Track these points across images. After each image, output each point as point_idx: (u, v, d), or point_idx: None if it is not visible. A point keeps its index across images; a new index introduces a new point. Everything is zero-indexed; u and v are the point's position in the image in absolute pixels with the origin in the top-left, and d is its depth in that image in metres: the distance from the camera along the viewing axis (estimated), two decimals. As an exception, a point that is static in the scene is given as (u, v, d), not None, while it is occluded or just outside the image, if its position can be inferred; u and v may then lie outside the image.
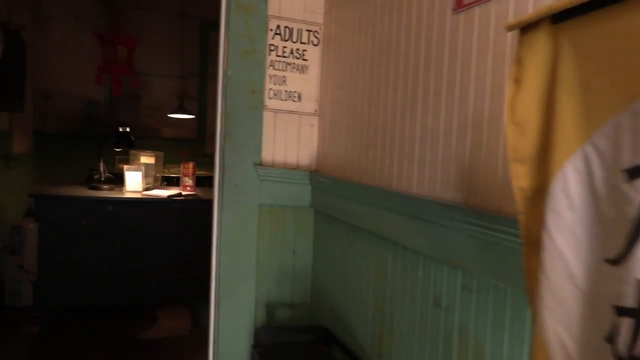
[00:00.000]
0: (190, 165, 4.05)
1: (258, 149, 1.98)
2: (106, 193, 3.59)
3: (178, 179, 5.01)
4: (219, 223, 2.02)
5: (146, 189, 3.79)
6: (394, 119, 1.54)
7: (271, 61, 2.03)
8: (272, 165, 2.03)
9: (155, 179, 3.98)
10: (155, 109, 6.25)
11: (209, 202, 3.88)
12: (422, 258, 1.38)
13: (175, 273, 3.60)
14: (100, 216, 3.40)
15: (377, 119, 1.64)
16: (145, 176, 3.80)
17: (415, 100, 1.43)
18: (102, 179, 3.75)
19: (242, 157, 1.95)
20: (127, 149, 3.80)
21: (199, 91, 6.43)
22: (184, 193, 3.74)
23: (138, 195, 3.60)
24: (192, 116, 5.62)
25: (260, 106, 1.99)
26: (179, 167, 5.73)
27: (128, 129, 3.75)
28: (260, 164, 2.03)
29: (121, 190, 3.74)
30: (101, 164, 3.75)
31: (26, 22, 4.71)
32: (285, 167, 2.04)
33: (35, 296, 3.58)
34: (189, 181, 4.01)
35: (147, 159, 3.91)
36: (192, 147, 6.47)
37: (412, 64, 1.45)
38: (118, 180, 4.50)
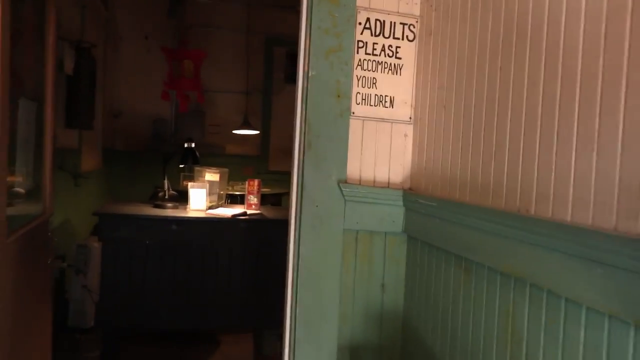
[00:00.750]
0: (256, 182, 3.79)
1: (343, 163, 1.64)
2: (170, 211, 3.39)
3: (242, 196, 4.79)
4: (296, 252, 1.69)
5: (210, 207, 3.56)
6: (532, 122, 1.17)
7: (359, 60, 1.70)
8: (359, 183, 1.68)
9: (220, 196, 3.75)
10: (219, 126, 6.12)
11: (275, 222, 3.62)
12: (588, 313, 0.98)
13: (240, 296, 3.32)
14: (163, 236, 3.19)
15: (502, 125, 1.27)
16: (209, 194, 3.58)
17: (572, 95, 1.05)
18: (166, 196, 3.56)
19: (325, 173, 1.62)
20: (192, 165, 3.59)
21: (263, 107, 6.25)
22: (249, 212, 3.48)
23: (202, 214, 3.37)
24: (257, 132, 5.41)
25: (346, 113, 1.66)
26: (243, 184, 5.53)
27: (193, 145, 3.55)
28: (346, 181, 1.70)
29: (185, 208, 3.53)
30: (165, 182, 3.56)
31: (98, 41, 4.69)
32: (374, 185, 1.69)
33: (96, 317, 3.40)
34: (254, 199, 3.75)
35: (211, 176, 3.68)
36: (255, 163, 6.28)
37: (566, 48, 1.07)
38: (182, 197, 4.32)
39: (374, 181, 1.70)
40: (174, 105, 5.78)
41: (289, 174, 6.17)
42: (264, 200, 4.15)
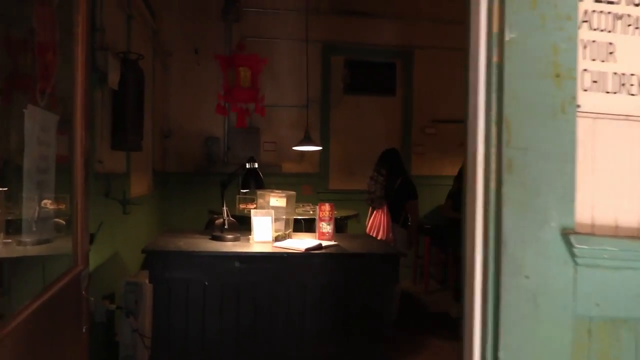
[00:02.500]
0: (327, 207, 3.16)
1: (569, 197, 0.98)
2: (230, 246, 2.80)
3: (306, 221, 4.17)
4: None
5: (277, 239, 2.96)
6: None
7: (585, 12, 1.02)
8: (592, 231, 1.00)
9: (287, 224, 3.15)
10: (275, 142, 5.57)
11: (356, 257, 2.81)
12: None
13: (315, 347, 2.68)
14: (224, 275, 2.61)
15: None
16: (274, 221, 2.99)
17: None
18: (226, 226, 2.98)
19: (539, 217, 0.92)
20: (256, 189, 3.01)
21: (322, 120, 5.66)
22: (324, 244, 2.85)
23: (268, 248, 2.77)
24: (319, 148, 4.82)
25: (570, 106, 0.99)
26: (304, 206, 4.93)
27: (256, 165, 2.96)
28: (574, 230, 1.00)
29: (247, 239, 2.95)
30: (224, 209, 2.99)
31: (146, 55, 4.25)
32: (617, 235, 1.02)
33: (149, 369, 2.85)
34: (327, 227, 3.12)
35: (277, 200, 3.09)
36: (314, 182, 5.68)
37: None
38: (241, 223, 3.76)
39: (617, 227, 0.99)
40: (227, 121, 5.28)
41: (352, 193, 5.40)
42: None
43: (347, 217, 4.51)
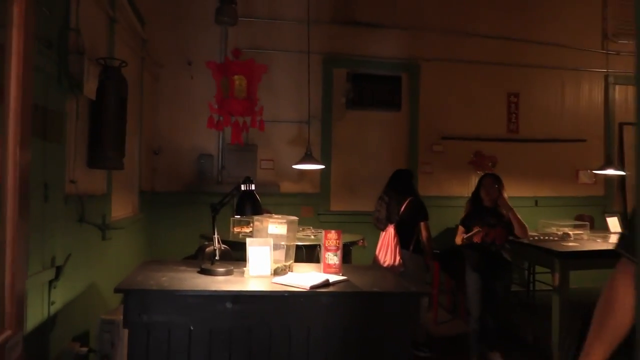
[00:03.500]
0: (334, 235, 2.73)
1: None
2: (222, 282, 2.36)
3: (307, 248, 3.74)
4: None
5: (276, 273, 2.53)
6: None
7: None
8: None
9: (288, 253, 2.71)
10: (272, 160, 5.16)
11: (371, 296, 2.27)
12: None
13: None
14: (213, 318, 2.17)
15: None
16: (273, 250, 2.56)
17: None
18: (217, 257, 2.55)
19: None
20: (252, 214, 2.58)
21: (323, 137, 5.26)
22: (331, 279, 2.42)
23: (266, 285, 2.33)
24: (321, 166, 4.41)
25: None
26: (304, 229, 4.49)
27: (253, 187, 2.54)
28: None
29: (242, 273, 2.51)
30: (215, 238, 2.55)
31: (133, 65, 3.85)
32: None
33: None
34: (333, 259, 2.68)
35: (276, 227, 2.67)
36: (315, 203, 5.26)
37: None
38: (236, 249, 3.32)
39: None
40: (222, 137, 4.86)
41: (355, 215, 4.89)
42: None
43: (352, 243, 4.07)
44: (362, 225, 5.19)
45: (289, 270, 2.66)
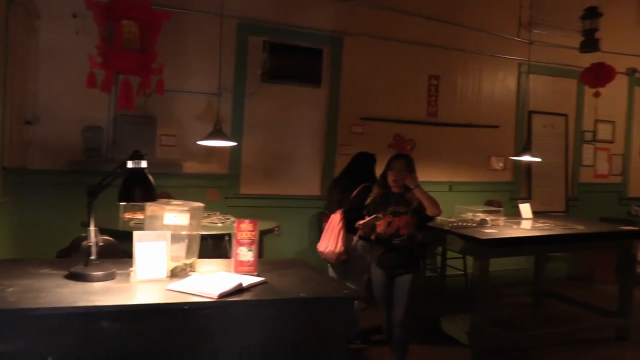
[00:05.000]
0: (249, 225, 2.20)
1: None
2: (98, 290, 1.74)
3: (215, 238, 3.17)
4: None
5: (173, 273, 1.96)
6: None
7: None
8: None
9: (190, 248, 2.14)
10: (175, 136, 4.46)
11: (296, 304, 1.66)
12: None
13: None
14: (84, 345, 1.57)
15: None
16: (171, 244, 1.99)
17: None
18: (92, 256, 1.91)
19: None
20: (143, 200, 1.96)
21: (234, 112, 4.65)
22: (245, 281, 1.90)
23: (159, 295, 1.75)
24: (233, 143, 3.82)
25: None
26: (210, 216, 3.90)
27: (144, 164, 1.92)
28: None
29: (128, 276, 1.90)
30: (91, 230, 1.92)
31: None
32: None
33: None
34: (247, 255, 2.16)
35: (176, 216, 2.08)
36: (222, 185, 4.66)
37: None
38: (126, 240, 2.67)
39: None
40: (113, 104, 4.06)
41: (269, 198, 4.27)
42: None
43: (265, 232, 3.57)
44: (276, 211, 4.70)
45: (190, 271, 2.10)
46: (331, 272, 3.80)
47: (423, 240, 3.21)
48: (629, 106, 6.52)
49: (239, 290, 1.82)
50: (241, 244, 2.18)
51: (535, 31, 5.74)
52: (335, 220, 3.66)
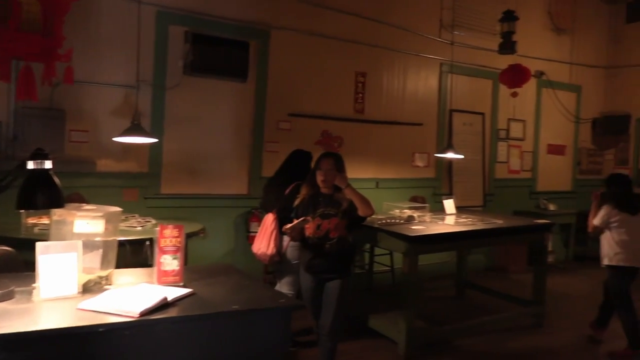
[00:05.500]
0: (173, 231, 2.00)
1: None
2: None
3: (134, 244, 2.89)
4: None
5: (86, 289, 1.71)
6: None
7: None
8: None
9: (105, 258, 1.90)
10: (88, 132, 4.06)
11: (230, 318, 1.48)
12: None
13: None
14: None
15: None
16: (83, 256, 1.74)
17: None
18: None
19: None
20: (48, 206, 1.69)
21: (154, 106, 4.32)
22: (170, 295, 1.70)
23: (69, 316, 1.51)
24: (153, 140, 3.53)
25: None
26: (128, 218, 3.58)
27: (49, 164, 1.65)
28: None
29: (28, 297, 1.64)
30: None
31: None
32: None
33: None
34: (172, 263, 1.96)
35: (88, 223, 1.83)
36: (141, 184, 4.32)
37: None
38: (28, 250, 2.35)
39: None
40: (13, 95, 3.59)
41: (192, 198, 4.01)
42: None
43: (189, 235, 3.34)
44: (201, 211, 4.46)
45: (107, 284, 1.86)
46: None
47: (353, 242, 3.07)
48: (537, 106, 6.95)
49: (164, 305, 1.63)
50: (165, 252, 1.97)
51: (455, 32, 5.92)
52: (269, 220, 3.52)
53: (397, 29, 5.55)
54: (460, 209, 5.14)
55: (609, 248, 3.80)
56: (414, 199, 5.50)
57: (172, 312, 1.59)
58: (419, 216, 4.38)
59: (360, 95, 5.41)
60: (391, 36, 5.52)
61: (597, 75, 7.57)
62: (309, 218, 2.86)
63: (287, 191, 3.41)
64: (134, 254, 2.81)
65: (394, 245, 3.82)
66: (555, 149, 7.23)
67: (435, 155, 5.72)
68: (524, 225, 4.46)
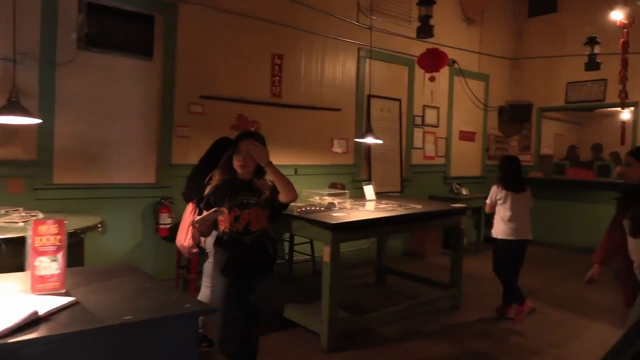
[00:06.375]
0: (51, 226, 1.64)
1: None
2: None
3: (15, 243, 2.42)
4: None
5: None
6: None
7: None
8: None
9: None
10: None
11: (123, 331, 1.13)
12: None
13: None
14: None
15: None
16: None
17: None
18: None
19: None
20: None
21: (42, 84, 3.76)
22: (45, 308, 1.36)
23: None
24: (38, 121, 3.02)
25: None
26: (9, 213, 3.06)
27: None
28: None
29: None
30: None
31: None
32: None
33: None
34: (50, 267, 1.59)
35: None
36: (29, 174, 3.76)
37: None
38: None
39: None
40: None
41: (92, 189, 3.54)
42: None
43: (84, 230, 2.91)
44: (101, 203, 3.99)
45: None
46: None
47: (275, 235, 2.73)
48: (450, 94, 7.11)
49: (34, 321, 1.29)
50: (41, 253, 1.60)
51: (373, 17, 5.83)
52: (188, 210, 3.21)
53: (315, 11, 5.34)
54: (379, 195, 5.08)
55: (496, 223, 4.18)
56: (333, 186, 5.36)
57: (44, 330, 1.26)
58: (339, 203, 4.24)
59: (278, 78, 5.15)
60: (309, 18, 5.30)
61: (503, 66, 7.91)
62: (223, 209, 2.43)
63: (207, 179, 3.06)
64: (12, 255, 2.36)
65: (315, 234, 3.64)
66: (467, 136, 7.47)
67: (355, 140, 5.63)
68: (441, 210, 4.48)
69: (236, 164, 2.48)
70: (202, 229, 2.42)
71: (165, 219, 4.24)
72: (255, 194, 2.48)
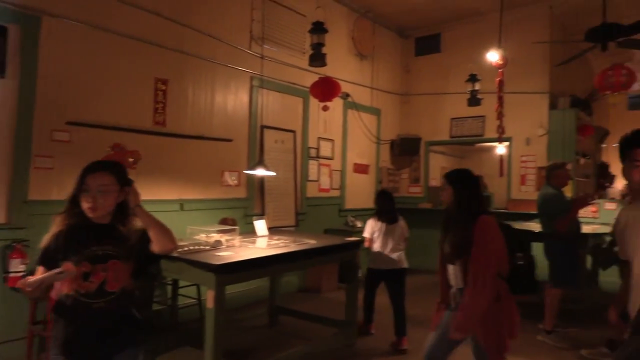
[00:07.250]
0: None
1: None
2: None
3: None
4: None
5: None
6: None
7: None
8: None
9: None
10: None
11: None
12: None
13: None
14: None
15: None
16: None
17: None
18: None
19: None
20: None
21: None
22: None
23: None
24: None
25: None
26: None
27: None
28: None
29: None
30: None
31: None
32: None
33: None
34: None
35: None
36: None
37: None
38: None
39: None
40: None
41: None
42: None
43: None
44: None
45: None
46: None
47: (141, 297, 2.22)
48: (344, 126, 7.15)
49: None
50: None
51: (266, 46, 5.69)
52: None
53: (204, 35, 5.06)
54: (272, 230, 4.83)
55: (372, 254, 4.42)
56: (224, 221, 5.00)
57: None
58: (227, 240, 3.90)
59: (161, 104, 4.74)
60: (198, 42, 5.00)
61: (394, 100, 8.20)
62: (69, 266, 1.80)
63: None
64: None
65: (198, 277, 3.26)
66: (360, 168, 7.54)
67: (245, 172, 5.35)
68: (336, 244, 4.33)
69: (85, 205, 1.89)
70: (35, 293, 1.71)
71: (17, 266, 3.58)
72: (116, 243, 1.93)
